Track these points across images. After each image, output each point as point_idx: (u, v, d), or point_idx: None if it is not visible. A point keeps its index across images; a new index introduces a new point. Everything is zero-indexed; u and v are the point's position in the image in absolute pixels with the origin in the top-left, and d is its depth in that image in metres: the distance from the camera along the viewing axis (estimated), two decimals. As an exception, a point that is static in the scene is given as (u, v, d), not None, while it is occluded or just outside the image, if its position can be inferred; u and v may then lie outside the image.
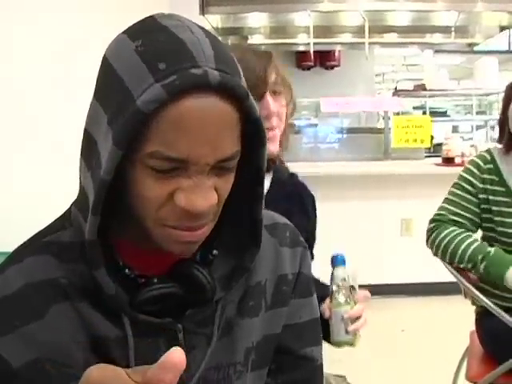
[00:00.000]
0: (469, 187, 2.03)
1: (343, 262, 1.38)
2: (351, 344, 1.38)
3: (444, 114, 7.22)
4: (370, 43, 5.36)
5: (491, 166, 2.04)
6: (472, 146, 4.77)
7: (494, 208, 2.00)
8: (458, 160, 4.32)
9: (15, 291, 0.72)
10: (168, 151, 0.66)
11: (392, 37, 5.76)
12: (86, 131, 0.74)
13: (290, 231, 0.95)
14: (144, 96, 0.64)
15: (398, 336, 3.59)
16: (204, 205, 0.69)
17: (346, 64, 6.58)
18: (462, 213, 2.02)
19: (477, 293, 1.95)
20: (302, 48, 5.99)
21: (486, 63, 6.54)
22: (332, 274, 1.38)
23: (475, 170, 2.05)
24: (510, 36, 6.97)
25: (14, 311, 0.72)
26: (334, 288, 1.37)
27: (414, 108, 7.13)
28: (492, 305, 1.90)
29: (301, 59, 6.50)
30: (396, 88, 6.04)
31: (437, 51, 6.48)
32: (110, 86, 0.69)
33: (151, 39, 0.67)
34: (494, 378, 1.88)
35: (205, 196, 0.69)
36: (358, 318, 1.38)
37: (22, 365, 0.70)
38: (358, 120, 6.21)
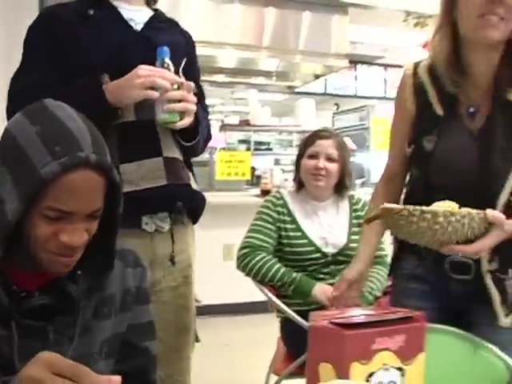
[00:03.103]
0: (268, 218, 2.47)
1: (164, 51, 1.55)
2: (171, 122, 1.55)
3: (267, 147, 7.73)
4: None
5: (281, 201, 2.50)
6: (286, 179, 5.26)
7: (284, 233, 2.44)
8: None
9: None
10: (60, 206, 0.97)
11: (220, 77, 6.19)
12: None
13: (133, 255, 1.27)
14: (45, 169, 0.95)
15: (224, 349, 3.93)
16: (79, 241, 1.03)
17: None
18: (266, 239, 2.44)
19: (279, 302, 2.34)
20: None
21: (304, 103, 7.18)
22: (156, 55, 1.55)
23: (271, 205, 2.50)
24: (325, 83, 7.77)
25: None
26: (157, 64, 1.54)
27: (240, 141, 7.52)
28: (291, 312, 2.28)
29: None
30: (223, 122, 6.41)
31: (261, 90, 7.05)
32: (15, 156, 0.98)
33: (47, 126, 0.99)
34: (291, 370, 2.26)
35: (80, 235, 1.02)
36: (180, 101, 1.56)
37: None
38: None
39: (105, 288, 1.16)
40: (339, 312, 0.98)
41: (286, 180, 5.18)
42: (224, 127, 6.17)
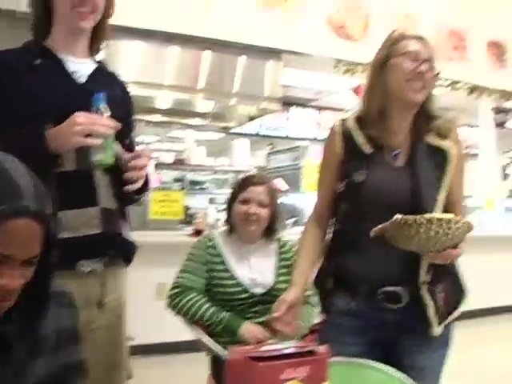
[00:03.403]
0: (199, 259, 2.55)
1: (100, 97, 1.61)
2: (106, 164, 1.60)
3: (202, 187, 7.79)
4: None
5: (212, 243, 2.59)
6: (218, 219, 5.34)
7: (214, 274, 2.52)
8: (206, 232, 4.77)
9: None
10: (0, 250, 1.03)
11: (157, 117, 6.25)
12: None
13: (67, 296, 1.33)
14: None
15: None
16: (16, 285, 1.09)
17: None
18: (196, 279, 2.52)
19: (206, 340, 2.42)
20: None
21: (239, 144, 7.33)
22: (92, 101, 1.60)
23: (201, 246, 2.59)
24: (259, 123, 7.95)
25: None
26: (93, 110, 1.58)
27: (175, 180, 7.56)
28: (218, 349, 2.36)
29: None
30: (158, 161, 6.46)
31: (197, 130, 7.15)
32: None
33: None
34: None
35: (17, 280, 1.09)
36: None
37: None
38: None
39: (39, 329, 1.22)
40: (254, 347, 1.07)
41: (218, 220, 5.25)
42: (159, 166, 6.21)
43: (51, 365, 1.26)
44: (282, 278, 2.56)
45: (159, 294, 4.59)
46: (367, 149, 1.85)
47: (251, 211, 2.54)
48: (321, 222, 1.99)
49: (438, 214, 1.63)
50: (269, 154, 8.42)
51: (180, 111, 6.29)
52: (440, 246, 1.57)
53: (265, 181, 2.65)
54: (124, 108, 1.87)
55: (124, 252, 1.91)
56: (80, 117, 1.56)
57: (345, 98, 7.67)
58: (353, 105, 8.27)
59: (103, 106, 1.61)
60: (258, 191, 2.57)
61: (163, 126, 6.88)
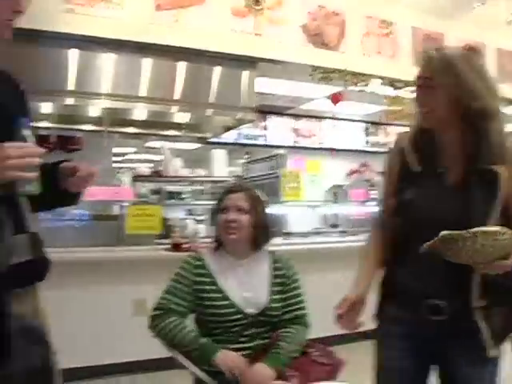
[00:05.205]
0: (184, 280, 2.44)
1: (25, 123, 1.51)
2: (34, 191, 1.50)
3: (179, 197, 7.70)
4: (109, 132, 5.73)
5: (200, 262, 2.49)
6: (197, 232, 5.27)
7: (204, 295, 2.41)
8: (185, 245, 4.67)
9: None
10: None
11: (132, 129, 6.19)
12: None
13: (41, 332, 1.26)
14: None
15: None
16: None
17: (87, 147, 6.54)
18: (180, 302, 2.41)
19: (190, 365, 2.32)
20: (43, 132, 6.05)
21: (216, 154, 7.27)
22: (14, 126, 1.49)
23: (188, 267, 2.48)
24: (237, 132, 7.91)
25: None
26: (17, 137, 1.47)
27: (152, 192, 7.46)
28: (200, 373, 2.29)
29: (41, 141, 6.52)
30: (134, 173, 6.37)
31: (173, 140, 7.07)
32: None
33: None
34: None
35: None
36: None
37: None
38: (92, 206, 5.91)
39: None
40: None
41: (196, 232, 5.18)
42: (136, 178, 6.13)
43: None
44: (276, 297, 2.47)
45: (137, 311, 4.53)
46: (417, 167, 1.91)
47: (230, 218, 2.46)
48: (384, 228, 2.03)
49: (483, 227, 1.61)
50: (246, 163, 8.35)
51: (156, 123, 6.24)
52: (488, 257, 1.60)
53: (243, 188, 2.57)
54: (24, 104, 1.77)
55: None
56: (11, 149, 1.43)
57: (321, 105, 7.65)
58: (329, 112, 8.38)
59: (27, 133, 1.51)
60: (235, 197, 2.50)
61: (140, 137, 6.80)
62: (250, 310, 2.42)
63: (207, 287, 2.44)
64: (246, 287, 2.46)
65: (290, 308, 2.51)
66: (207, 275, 2.47)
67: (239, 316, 2.40)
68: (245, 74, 5.63)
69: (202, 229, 6.04)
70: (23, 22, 1.73)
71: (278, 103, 8.03)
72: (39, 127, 5.80)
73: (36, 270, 1.67)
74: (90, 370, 4.31)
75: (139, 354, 4.54)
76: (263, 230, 2.53)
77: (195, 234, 5.16)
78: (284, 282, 2.50)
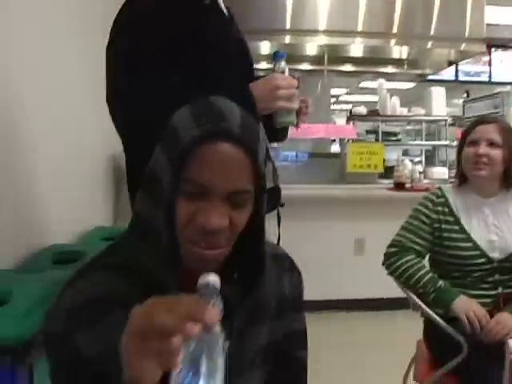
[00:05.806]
0: (425, 218, 2.28)
1: (284, 56, 1.60)
2: (291, 123, 1.60)
3: (396, 138, 7.49)
4: (328, 71, 5.68)
5: (442, 199, 2.31)
6: (421, 172, 5.04)
7: (445, 234, 2.25)
8: (407, 185, 4.54)
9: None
10: (195, 177, 0.90)
11: (348, 67, 6.07)
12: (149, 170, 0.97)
13: (288, 260, 1.20)
14: (187, 136, 0.91)
15: (351, 348, 3.79)
16: (217, 223, 0.91)
17: (304, 89, 6.67)
18: (418, 241, 2.27)
19: (425, 307, 2.19)
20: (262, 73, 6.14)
21: (434, 92, 6.90)
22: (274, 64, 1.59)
23: (429, 204, 2.31)
24: (456, 69, 7.42)
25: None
26: (276, 69, 1.58)
27: (367, 132, 7.33)
28: (436, 317, 2.15)
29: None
30: (351, 112, 6.20)
31: (388, 79, 6.84)
32: (169, 135, 0.95)
33: (202, 108, 0.94)
34: (438, 378, 2.13)
35: (219, 217, 0.91)
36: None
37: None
38: (312, 145, 6.07)
39: (259, 293, 1.07)
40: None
41: (419, 172, 4.97)
42: (352, 117, 6.04)
43: (274, 333, 1.12)
44: None
45: (358, 250, 4.53)
46: None
47: (480, 152, 2.22)
48: None
49: None
50: (465, 102, 7.84)
51: (373, 59, 6.05)
52: None
53: (496, 119, 2.32)
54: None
55: None
56: (280, 80, 1.53)
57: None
58: None
59: (284, 66, 1.58)
60: (487, 130, 2.24)
61: (355, 75, 6.66)
62: (495, 255, 2.21)
63: (449, 226, 2.27)
64: (491, 229, 2.25)
65: None
66: (449, 213, 2.29)
67: (483, 260, 2.20)
68: (470, 1, 5.22)
69: (419, 170, 5.82)
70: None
71: (504, 35, 7.36)
72: (259, 69, 5.91)
73: (277, 197, 1.73)
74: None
75: (360, 291, 4.53)
76: None
77: (415, 174, 4.93)
78: None
